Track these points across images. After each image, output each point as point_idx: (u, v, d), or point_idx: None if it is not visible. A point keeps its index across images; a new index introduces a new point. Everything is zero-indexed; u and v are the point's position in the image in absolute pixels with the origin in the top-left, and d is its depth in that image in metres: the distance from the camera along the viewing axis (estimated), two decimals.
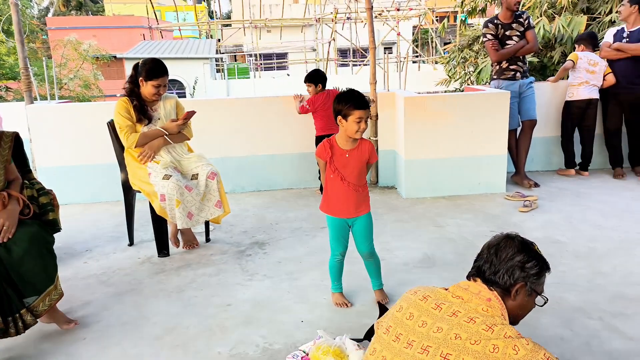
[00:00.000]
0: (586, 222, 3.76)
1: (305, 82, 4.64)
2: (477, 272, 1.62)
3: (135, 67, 3.28)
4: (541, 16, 7.32)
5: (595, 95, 4.83)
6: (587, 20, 6.93)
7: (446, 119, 4.39)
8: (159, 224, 3.36)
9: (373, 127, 4.89)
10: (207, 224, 3.62)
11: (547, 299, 1.63)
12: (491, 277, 1.56)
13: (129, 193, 3.53)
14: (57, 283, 2.40)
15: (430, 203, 4.33)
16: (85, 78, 18.36)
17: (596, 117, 4.91)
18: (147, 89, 3.22)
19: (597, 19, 6.97)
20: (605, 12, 6.94)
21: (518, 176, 4.79)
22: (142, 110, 3.26)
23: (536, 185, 4.67)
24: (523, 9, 7.61)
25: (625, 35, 4.72)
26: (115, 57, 21.17)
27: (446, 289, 1.60)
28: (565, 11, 7.26)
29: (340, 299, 2.72)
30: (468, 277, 1.65)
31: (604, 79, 4.84)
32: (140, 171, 3.27)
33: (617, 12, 4.97)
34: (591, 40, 4.98)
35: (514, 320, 1.57)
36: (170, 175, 3.15)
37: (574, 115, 4.89)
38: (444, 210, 4.11)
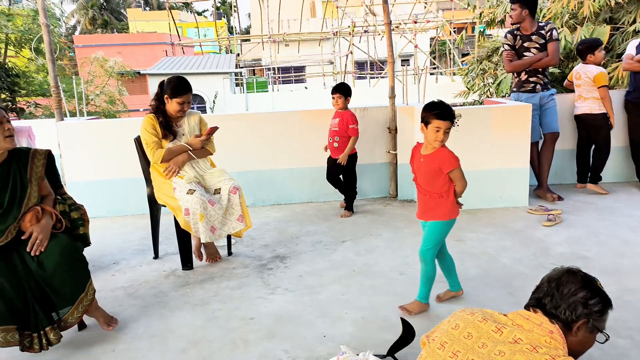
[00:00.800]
0: (613, 237, 3.70)
1: (335, 93, 4.37)
2: (537, 303, 1.59)
3: (161, 85, 3.37)
4: (562, 27, 7.28)
5: (592, 110, 4.70)
6: (610, 31, 6.86)
7: (466, 132, 4.36)
8: (183, 237, 3.42)
9: (392, 141, 4.91)
10: (229, 237, 3.67)
11: (609, 336, 1.57)
12: (552, 311, 1.53)
13: (154, 207, 3.61)
14: (89, 290, 2.46)
15: None
16: (110, 94, 18.83)
17: (601, 130, 4.73)
18: (172, 106, 3.31)
19: (621, 29, 6.90)
20: (628, 22, 6.86)
21: (541, 189, 4.73)
22: (168, 127, 3.35)
23: (560, 198, 4.61)
24: (544, 20, 7.59)
25: None
26: (139, 73, 21.66)
27: (505, 315, 1.58)
28: (587, 21, 7.20)
29: (416, 308, 2.78)
30: (527, 307, 1.62)
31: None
32: (166, 186, 3.34)
33: (638, 22, 4.88)
34: (587, 50, 4.72)
35: (573, 355, 1.52)
36: (194, 190, 3.22)
37: (579, 130, 4.86)
38: (464, 224, 4.08)
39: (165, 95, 3.30)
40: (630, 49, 4.75)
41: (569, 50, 7.14)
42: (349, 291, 3.05)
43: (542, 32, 4.57)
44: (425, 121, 2.53)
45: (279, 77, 24.05)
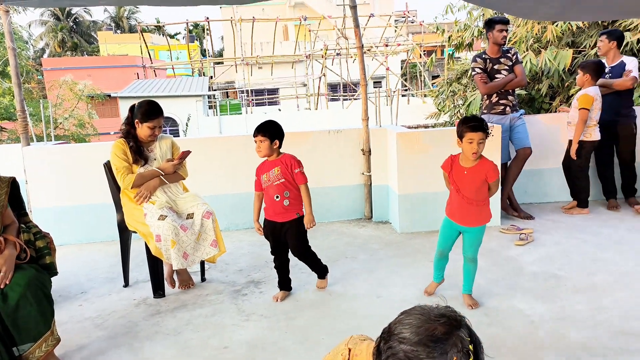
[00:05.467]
0: (583, 255, 3.77)
1: (257, 134, 3.12)
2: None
3: (131, 109, 3.32)
4: (527, 50, 7.53)
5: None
6: (573, 54, 7.14)
7: (438, 154, 4.41)
8: (154, 264, 3.32)
9: (366, 163, 4.93)
10: (202, 263, 3.59)
11: None
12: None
13: (124, 233, 3.51)
14: (54, 329, 2.35)
15: (425, 237, 4.33)
16: (80, 117, 18.49)
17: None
18: (143, 130, 3.25)
19: (583, 52, 7.18)
20: (590, 45, 7.15)
21: (509, 206, 4.82)
22: (139, 151, 3.29)
23: (530, 217, 4.70)
24: (510, 44, 7.85)
25: (606, 70, 4.84)
26: (109, 95, 21.38)
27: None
28: (550, 45, 7.48)
29: (431, 288, 3.21)
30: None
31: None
32: (136, 212, 3.26)
33: (598, 47, 5.06)
34: (599, 72, 4.62)
35: None
36: (166, 216, 3.15)
37: (589, 155, 4.76)
38: None
39: (136, 120, 3.25)
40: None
41: (535, 72, 7.38)
42: (326, 315, 3.00)
43: (509, 54, 4.73)
44: (460, 135, 2.78)
45: (253, 100, 24.10)
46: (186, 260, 3.21)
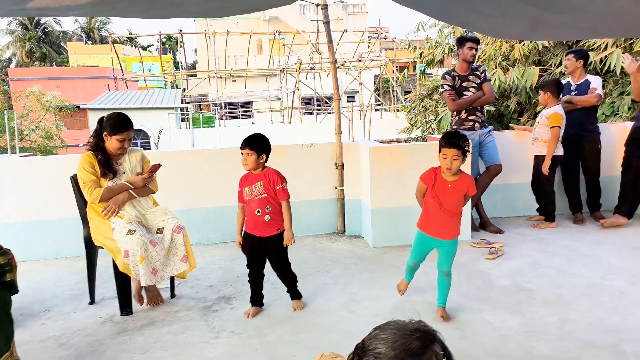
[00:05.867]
0: (551, 267, 3.85)
1: (244, 147, 3.09)
2: None
3: (100, 121, 3.25)
4: (496, 68, 7.74)
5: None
6: (539, 72, 7.37)
7: (410, 168, 4.48)
8: (122, 280, 3.23)
9: (339, 177, 4.94)
10: (172, 279, 3.51)
11: None
12: None
13: (91, 249, 3.41)
14: (14, 349, 2.25)
15: (397, 251, 4.35)
16: (47, 129, 18.02)
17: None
18: (111, 143, 3.19)
19: (549, 71, 7.42)
20: (555, 64, 7.40)
21: (481, 223, 4.90)
22: (107, 165, 3.21)
23: (500, 231, 4.78)
24: (479, 62, 8.05)
25: (573, 88, 5.01)
26: (78, 107, 20.93)
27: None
28: (518, 63, 7.71)
29: (403, 285, 3.29)
30: None
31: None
32: (104, 226, 3.17)
33: (565, 66, 5.23)
34: (559, 89, 4.83)
35: None
36: (135, 231, 3.07)
37: (555, 169, 4.91)
38: None
39: (105, 132, 3.18)
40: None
41: (503, 89, 7.59)
42: (298, 331, 2.97)
43: (477, 72, 4.84)
44: (439, 149, 2.86)
45: (226, 113, 23.98)
46: (155, 276, 3.13)
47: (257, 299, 3.28)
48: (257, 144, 3.06)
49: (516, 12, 2.28)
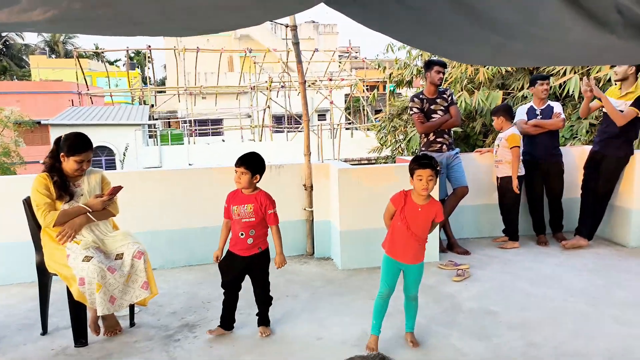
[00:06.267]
0: (517, 290, 3.87)
1: (240, 165, 3.07)
2: None
3: (57, 141, 3.12)
4: (462, 90, 7.91)
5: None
6: (503, 95, 7.57)
7: (380, 190, 4.47)
8: (77, 309, 3.07)
9: (308, 198, 4.89)
10: (131, 306, 3.36)
11: None
12: None
13: (44, 276, 3.23)
14: None
15: (366, 274, 4.31)
16: (4, 145, 17.37)
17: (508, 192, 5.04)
18: (69, 164, 3.05)
19: (512, 94, 7.63)
20: (517, 88, 7.62)
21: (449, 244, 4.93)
22: (63, 187, 3.07)
23: (467, 253, 4.81)
24: (446, 84, 8.22)
25: (538, 112, 5.13)
26: (39, 123, 20.30)
27: None
28: (483, 86, 7.90)
29: (373, 343, 2.94)
30: None
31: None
32: (58, 252, 3.02)
33: (544, 91, 5.25)
34: (510, 113, 5.05)
35: None
36: (91, 257, 2.93)
37: (520, 189, 4.99)
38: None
39: (62, 153, 3.04)
40: (521, 114, 5.20)
41: (469, 111, 7.75)
42: (265, 359, 2.87)
43: (445, 95, 4.92)
44: (410, 172, 2.84)
45: (196, 130, 23.72)
46: (113, 305, 2.98)
47: (227, 322, 3.23)
48: (253, 164, 3.06)
49: (480, 39, 2.31)
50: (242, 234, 3.10)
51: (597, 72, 6.55)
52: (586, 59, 3.06)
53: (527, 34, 2.12)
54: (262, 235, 3.15)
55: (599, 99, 4.82)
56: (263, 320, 3.26)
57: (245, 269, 3.18)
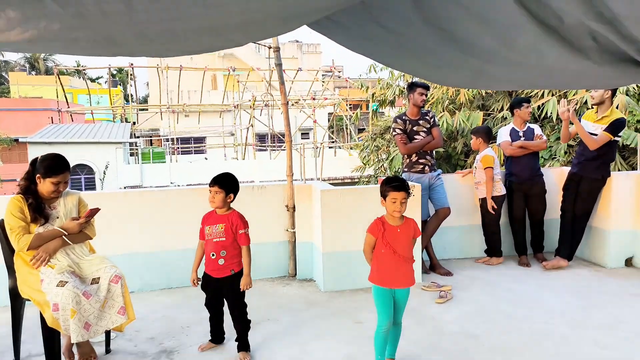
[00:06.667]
0: (498, 312, 3.87)
1: (213, 185, 3.12)
2: None
3: (33, 162, 3.04)
4: (444, 111, 8.02)
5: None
6: (483, 116, 7.69)
7: (362, 211, 4.46)
8: (50, 336, 2.95)
9: (290, 219, 4.86)
10: (107, 332, 3.26)
11: None
12: None
13: (16, 301, 3.12)
14: None
15: (349, 296, 4.27)
16: None
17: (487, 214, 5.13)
18: (45, 186, 2.98)
19: (492, 115, 7.75)
20: (497, 109, 7.76)
21: (430, 265, 4.92)
22: (39, 209, 2.98)
23: (449, 274, 4.80)
24: (428, 105, 8.33)
25: (520, 134, 5.19)
26: (17, 140, 19.95)
27: None
28: (464, 107, 8.02)
29: None
30: None
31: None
32: (32, 277, 2.92)
33: (529, 114, 5.33)
34: (490, 135, 5.19)
35: None
36: (66, 282, 2.84)
37: (500, 208, 5.08)
38: (363, 304, 4.05)
39: (38, 175, 2.97)
40: (504, 135, 5.25)
41: (451, 132, 7.84)
42: None
43: (427, 117, 4.97)
44: (383, 195, 2.81)
45: (178, 148, 23.55)
46: (88, 332, 2.88)
47: (216, 336, 3.32)
48: (227, 183, 3.12)
49: (459, 63, 2.34)
50: (213, 255, 3.12)
51: (574, 95, 6.71)
52: (563, 83, 3.13)
53: (505, 59, 2.16)
54: (235, 257, 3.14)
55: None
56: (242, 345, 3.21)
57: (218, 290, 3.19)
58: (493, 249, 5.17)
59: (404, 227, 2.86)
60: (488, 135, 5.16)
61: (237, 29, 1.93)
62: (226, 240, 3.11)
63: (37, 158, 3.06)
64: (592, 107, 5.04)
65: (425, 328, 3.58)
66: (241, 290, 3.13)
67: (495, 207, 4.99)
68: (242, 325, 3.21)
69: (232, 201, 3.16)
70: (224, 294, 3.19)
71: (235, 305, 3.18)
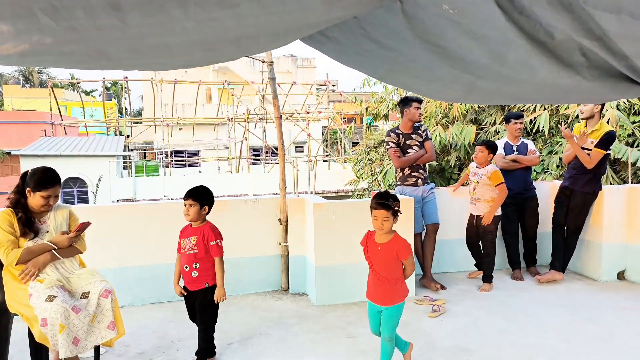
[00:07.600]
0: (491, 326, 3.85)
1: (187, 198, 3.18)
2: None
3: (23, 176, 3.02)
4: (437, 125, 8.07)
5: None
6: (476, 130, 7.74)
7: (356, 225, 4.44)
8: (38, 351, 2.91)
9: (283, 233, 4.84)
10: (97, 347, 3.20)
11: None
12: None
13: (4, 316, 3.06)
14: None
15: (342, 310, 4.24)
16: None
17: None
18: (35, 200, 2.95)
19: (485, 129, 7.80)
20: (490, 122, 7.81)
21: (425, 279, 4.90)
22: (28, 223, 2.95)
23: (443, 287, 4.79)
24: (421, 118, 8.39)
25: (514, 148, 5.22)
26: (9, 153, 19.85)
27: None
28: (457, 121, 8.07)
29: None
30: None
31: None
32: (20, 292, 2.88)
33: (518, 129, 5.33)
34: (495, 151, 4.86)
35: None
36: (55, 296, 2.80)
37: (496, 230, 4.93)
38: (355, 318, 4.02)
39: (28, 189, 2.94)
40: (498, 149, 5.26)
41: (444, 145, 7.88)
42: None
43: (420, 131, 5.00)
44: (370, 210, 2.80)
45: (172, 161, 23.50)
46: (77, 347, 2.83)
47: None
48: (201, 196, 3.17)
49: (451, 78, 2.37)
50: (186, 267, 3.19)
51: (565, 109, 6.79)
52: (554, 98, 3.16)
53: (497, 74, 2.18)
54: (209, 269, 3.18)
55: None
56: (201, 355, 3.24)
57: (193, 303, 3.23)
58: (486, 274, 4.86)
59: (387, 245, 2.81)
60: (494, 150, 4.84)
61: (230, 43, 1.94)
62: (198, 252, 3.14)
63: (27, 172, 3.03)
64: (582, 121, 5.08)
65: (418, 342, 3.55)
66: (215, 301, 3.16)
67: (487, 228, 4.78)
68: (207, 338, 3.24)
69: (207, 213, 3.19)
70: (195, 306, 3.22)
71: (202, 320, 3.20)
